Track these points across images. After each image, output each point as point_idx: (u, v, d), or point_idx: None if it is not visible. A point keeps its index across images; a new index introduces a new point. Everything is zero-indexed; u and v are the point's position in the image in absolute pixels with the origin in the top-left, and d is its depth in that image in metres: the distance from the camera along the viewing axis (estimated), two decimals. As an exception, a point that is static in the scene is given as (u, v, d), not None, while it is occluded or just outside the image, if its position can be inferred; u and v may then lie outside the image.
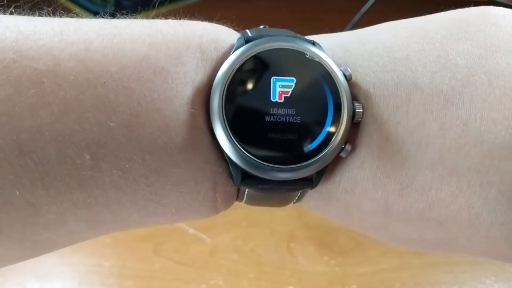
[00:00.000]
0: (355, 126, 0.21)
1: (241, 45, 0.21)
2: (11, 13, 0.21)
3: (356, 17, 0.63)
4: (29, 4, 0.23)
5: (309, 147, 0.20)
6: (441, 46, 0.21)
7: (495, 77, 0.20)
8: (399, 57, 0.21)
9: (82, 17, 0.21)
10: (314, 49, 0.21)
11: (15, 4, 0.21)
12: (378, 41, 0.22)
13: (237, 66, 0.20)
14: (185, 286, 0.48)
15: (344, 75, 0.21)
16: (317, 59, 0.21)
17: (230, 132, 0.20)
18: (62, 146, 0.18)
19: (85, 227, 0.20)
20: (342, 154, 0.21)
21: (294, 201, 0.23)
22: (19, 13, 0.21)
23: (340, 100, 0.20)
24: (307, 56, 0.21)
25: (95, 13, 0.77)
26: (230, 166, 0.20)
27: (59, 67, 0.19)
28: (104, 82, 0.19)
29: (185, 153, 0.20)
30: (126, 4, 0.80)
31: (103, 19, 0.21)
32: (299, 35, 0.22)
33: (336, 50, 0.22)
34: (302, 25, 0.78)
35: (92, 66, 0.19)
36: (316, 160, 0.20)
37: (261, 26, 0.23)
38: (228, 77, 0.20)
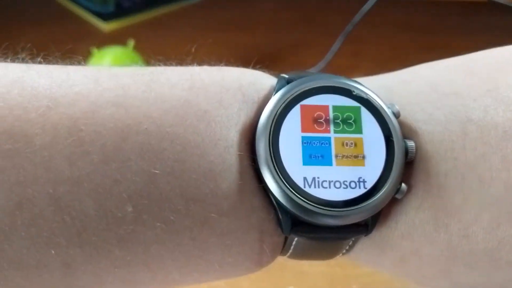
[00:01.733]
0: (409, 165, 0.20)
1: (283, 86, 0.20)
2: (40, 62, 0.20)
3: (356, 17, 0.63)
4: (59, 53, 0.22)
5: (363, 189, 0.19)
6: (489, 80, 0.20)
7: None
8: (447, 93, 0.20)
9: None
10: (359, 86, 0.20)
11: (44, 54, 0.20)
12: (422, 79, 0.21)
13: (281, 108, 0.20)
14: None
15: (393, 113, 0.20)
16: (364, 96, 0.20)
17: (279, 176, 0.19)
18: (102, 198, 0.17)
19: None
20: (398, 196, 0.20)
21: (344, 251, 0.21)
22: (49, 62, 0.20)
23: (392, 138, 0.20)
24: (354, 93, 0.20)
25: (95, 13, 0.77)
26: (279, 212, 0.19)
27: (97, 113, 0.18)
28: (146, 128, 0.18)
29: (231, 199, 0.18)
30: (126, 4, 0.80)
31: (136, 67, 0.20)
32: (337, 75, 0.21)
33: (378, 90, 0.21)
34: (302, 25, 0.78)
35: (132, 112, 0.18)
36: (370, 202, 0.19)
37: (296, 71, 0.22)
38: (273, 119, 0.19)
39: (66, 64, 0.21)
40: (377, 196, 0.19)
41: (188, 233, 0.18)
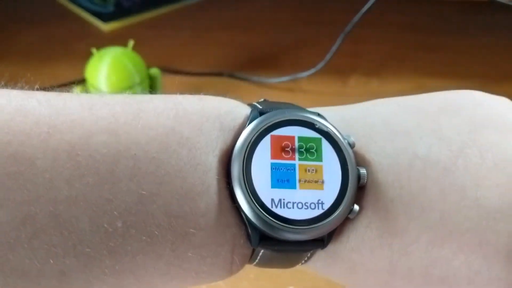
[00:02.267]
0: (361, 189, 0.23)
1: (256, 117, 0.23)
2: (37, 89, 0.23)
3: (356, 17, 0.63)
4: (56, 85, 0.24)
5: (321, 210, 0.22)
6: (434, 120, 0.23)
7: (485, 150, 0.22)
8: (397, 130, 0.23)
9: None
10: (321, 120, 0.23)
11: (41, 86, 0.23)
12: (376, 115, 0.24)
13: (254, 136, 0.22)
14: (185, 286, 0.48)
15: (349, 143, 0.23)
16: (325, 129, 0.23)
17: (250, 197, 0.21)
18: (95, 215, 0.20)
19: None
20: (351, 216, 0.22)
21: (303, 262, 0.24)
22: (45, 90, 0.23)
23: (347, 165, 0.23)
24: (316, 126, 0.23)
25: (95, 13, 0.77)
26: (249, 228, 0.22)
27: (91, 140, 0.20)
28: (135, 154, 0.20)
29: (208, 217, 0.21)
30: (126, 4, 0.80)
31: (126, 95, 0.23)
32: (303, 108, 0.24)
33: (338, 122, 0.24)
34: (302, 25, 0.78)
35: (123, 138, 0.20)
36: (328, 221, 0.22)
37: (262, 100, 0.25)
38: (247, 146, 0.22)
39: (61, 90, 0.23)
40: (333, 216, 0.22)
41: (170, 245, 0.21)
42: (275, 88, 0.65)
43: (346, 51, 0.65)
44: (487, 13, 0.79)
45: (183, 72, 0.66)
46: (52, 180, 0.19)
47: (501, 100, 0.25)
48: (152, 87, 0.56)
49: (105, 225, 0.20)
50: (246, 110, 0.24)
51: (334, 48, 0.64)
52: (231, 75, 0.66)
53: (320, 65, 0.65)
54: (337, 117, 0.24)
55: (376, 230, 0.22)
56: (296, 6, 0.82)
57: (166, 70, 0.63)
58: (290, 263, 0.24)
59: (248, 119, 0.23)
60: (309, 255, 0.24)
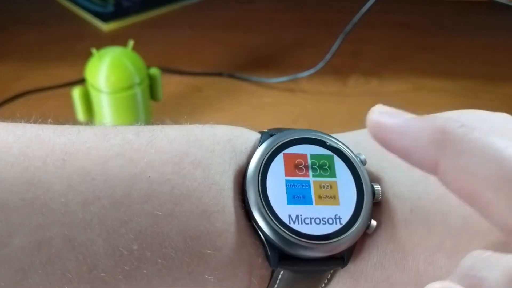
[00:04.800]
0: (377, 204, 0.23)
1: (267, 139, 0.23)
2: (50, 122, 0.23)
3: (356, 17, 0.63)
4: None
5: (339, 225, 0.22)
6: None
7: None
8: None
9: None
10: (331, 138, 0.24)
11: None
12: None
13: (267, 155, 0.23)
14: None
15: (360, 160, 0.23)
16: (336, 146, 0.23)
17: (268, 214, 0.21)
18: (111, 238, 0.20)
19: None
20: (368, 231, 0.22)
21: (324, 285, 0.24)
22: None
23: (361, 181, 0.23)
24: (327, 144, 0.23)
25: (95, 13, 0.77)
26: (267, 247, 0.21)
27: (107, 165, 0.20)
28: (149, 176, 0.21)
29: (224, 236, 0.21)
30: (126, 4, 0.80)
31: (138, 125, 0.23)
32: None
33: (348, 143, 0.24)
34: (302, 25, 0.78)
35: (137, 162, 0.21)
36: (347, 235, 0.22)
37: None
38: (261, 165, 0.22)
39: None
40: (351, 230, 0.22)
41: (186, 268, 0.21)
42: (275, 88, 0.65)
43: (345, 51, 0.65)
44: (487, 13, 0.79)
45: (183, 72, 0.66)
46: (67, 204, 0.19)
47: (502, 115, 0.26)
48: (152, 87, 0.56)
49: (121, 248, 0.20)
50: (256, 135, 0.24)
51: (334, 48, 0.64)
52: (231, 75, 0.66)
53: (320, 65, 0.65)
54: (346, 139, 0.24)
55: (398, 242, 0.22)
56: (296, 6, 0.82)
57: (166, 70, 0.63)
58: (311, 285, 0.24)
59: (259, 142, 0.23)
60: (329, 276, 0.23)
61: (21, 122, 0.22)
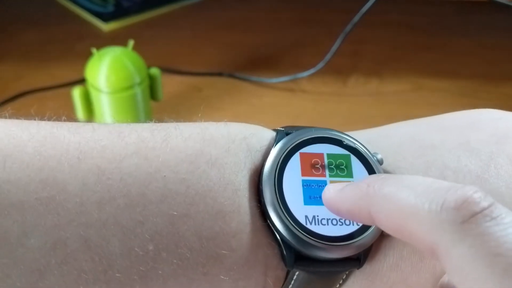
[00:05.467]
0: None
1: (282, 137, 0.23)
2: (64, 120, 0.23)
3: (356, 17, 0.63)
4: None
5: (355, 226, 0.22)
6: (460, 135, 0.24)
7: None
8: (425, 145, 0.24)
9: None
10: (348, 137, 0.24)
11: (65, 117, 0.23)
12: (402, 133, 0.25)
13: (283, 155, 0.22)
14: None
15: (377, 160, 0.23)
16: (353, 145, 0.23)
17: (284, 214, 0.21)
18: (126, 238, 0.19)
19: None
20: (385, 233, 0.22)
21: (338, 286, 0.23)
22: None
23: None
24: (344, 143, 0.23)
25: (95, 13, 0.77)
26: (283, 247, 0.21)
27: (122, 163, 0.20)
28: (165, 176, 0.20)
29: (239, 237, 0.21)
30: (126, 4, 0.80)
31: (152, 123, 0.23)
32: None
33: (363, 142, 0.24)
34: (302, 25, 0.78)
35: (152, 161, 0.21)
36: (364, 237, 0.22)
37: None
38: (277, 164, 0.22)
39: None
40: (368, 232, 0.22)
41: (201, 269, 0.20)
42: (275, 88, 0.65)
43: (345, 51, 0.65)
44: (487, 13, 0.79)
45: (183, 72, 0.66)
46: (82, 204, 0.19)
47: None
48: (152, 87, 0.56)
49: (136, 249, 0.19)
50: (271, 133, 0.24)
51: (334, 48, 0.64)
52: (231, 75, 0.66)
53: (320, 65, 0.65)
54: (361, 138, 0.24)
55: None
56: (296, 6, 0.82)
57: (166, 70, 0.63)
58: (326, 286, 0.23)
59: (274, 141, 0.23)
60: (344, 277, 0.23)
61: (35, 119, 0.22)
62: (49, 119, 0.22)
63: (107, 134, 0.21)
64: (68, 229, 0.19)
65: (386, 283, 0.23)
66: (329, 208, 0.21)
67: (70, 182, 0.19)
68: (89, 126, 0.22)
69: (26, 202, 0.19)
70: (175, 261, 0.20)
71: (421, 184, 0.18)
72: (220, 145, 0.22)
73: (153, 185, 0.20)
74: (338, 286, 0.23)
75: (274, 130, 0.24)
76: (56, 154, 0.20)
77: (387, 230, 0.19)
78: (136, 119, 0.55)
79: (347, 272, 0.23)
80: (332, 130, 0.24)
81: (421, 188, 0.18)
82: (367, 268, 0.22)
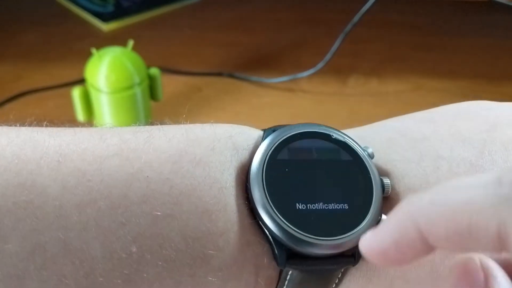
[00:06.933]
0: (387, 199, 0.22)
1: (270, 134, 0.23)
2: (46, 125, 0.22)
3: (356, 17, 0.63)
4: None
5: (347, 220, 0.21)
6: (450, 126, 0.24)
7: (507, 143, 0.23)
8: (416, 138, 0.23)
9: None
10: (336, 131, 0.23)
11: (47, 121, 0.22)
12: (391, 128, 0.24)
13: (271, 151, 0.22)
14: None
15: (368, 154, 0.23)
16: (342, 139, 0.23)
17: (274, 211, 0.21)
18: (108, 240, 0.19)
19: None
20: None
21: (334, 285, 0.23)
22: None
23: (370, 175, 0.22)
24: (333, 137, 0.23)
25: (95, 13, 0.77)
26: (274, 245, 0.21)
27: (103, 165, 0.20)
28: (147, 176, 0.20)
29: (227, 236, 0.20)
30: (126, 4, 0.80)
31: (136, 126, 0.23)
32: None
33: (352, 137, 0.23)
34: (302, 25, 0.78)
35: (134, 162, 0.20)
36: (357, 231, 0.21)
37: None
38: (265, 160, 0.21)
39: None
40: (360, 226, 0.21)
41: (188, 270, 0.20)
42: (275, 88, 0.65)
43: (345, 51, 0.65)
44: (487, 13, 0.79)
45: (182, 72, 0.66)
46: (62, 207, 0.19)
47: (507, 104, 0.26)
48: (152, 87, 0.56)
49: (119, 251, 0.19)
50: (258, 132, 0.23)
51: (333, 48, 0.64)
52: (231, 75, 0.66)
53: (319, 65, 0.65)
54: (351, 134, 0.24)
55: None
56: (296, 6, 0.82)
57: (165, 70, 0.63)
58: (321, 285, 0.23)
59: (261, 139, 0.23)
60: (340, 275, 0.22)
61: (16, 125, 0.21)
62: (30, 125, 0.22)
63: (89, 137, 0.21)
64: (47, 233, 0.18)
65: (384, 280, 0.22)
66: (373, 257, 0.18)
67: (50, 185, 0.19)
68: (70, 130, 0.21)
69: (3, 206, 0.18)
70: (160, 263, 0.19)
71: (460, 181, 0.17)
72: (204, 144, 0.22)
73: (135, 186, 0.20)
74: (334, 285, 0.23)
75: (262, 130, 0.24)
76: (35, 158, 0.19)
77: (441, 240, 0.17)
78: (136, 119, 0.55)
79: (342, 271, 0.22)
80: (321, 125, 0.23)
81: (463, 183, 0.17)
82: (363, 265, 0.22)
